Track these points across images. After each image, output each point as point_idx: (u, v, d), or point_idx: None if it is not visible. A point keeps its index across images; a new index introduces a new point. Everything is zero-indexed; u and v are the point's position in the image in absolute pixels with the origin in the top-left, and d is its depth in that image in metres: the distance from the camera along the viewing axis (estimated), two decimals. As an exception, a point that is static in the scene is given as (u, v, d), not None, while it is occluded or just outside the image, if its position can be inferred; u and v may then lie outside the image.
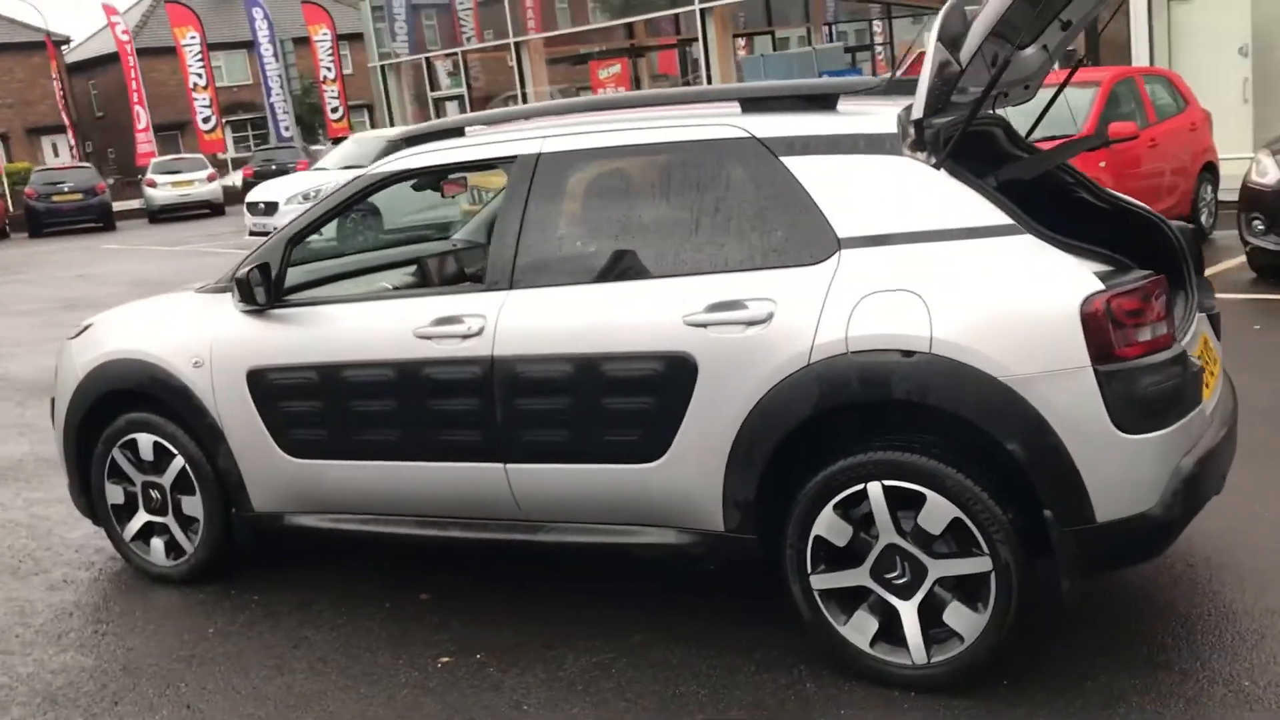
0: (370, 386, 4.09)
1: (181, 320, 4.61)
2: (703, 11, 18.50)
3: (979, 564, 3.29)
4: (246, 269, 4.24)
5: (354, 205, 4.43)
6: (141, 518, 4.79)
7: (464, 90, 22.44)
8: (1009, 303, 3.24)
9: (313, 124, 42.19)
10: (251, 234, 17.22)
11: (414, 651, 3.99)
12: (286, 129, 34.57)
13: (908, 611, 3.41)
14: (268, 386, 4.28)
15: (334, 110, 34.46)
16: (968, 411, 3.23)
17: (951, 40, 3.45)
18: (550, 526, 3.96)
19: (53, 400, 5.04)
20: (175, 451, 4.59)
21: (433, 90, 23.41)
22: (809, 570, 3.52)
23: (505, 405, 3.85)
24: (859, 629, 3.48)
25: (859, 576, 3.47)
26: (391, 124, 23.81)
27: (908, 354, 3.27)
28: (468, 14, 23.10)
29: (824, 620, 3.52)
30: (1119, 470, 3.18)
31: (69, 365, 4.86)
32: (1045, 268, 3.25)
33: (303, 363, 4.21)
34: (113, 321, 4.93)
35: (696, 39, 18.65)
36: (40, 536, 5.50)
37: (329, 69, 34.36)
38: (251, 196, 17.34)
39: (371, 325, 4.14)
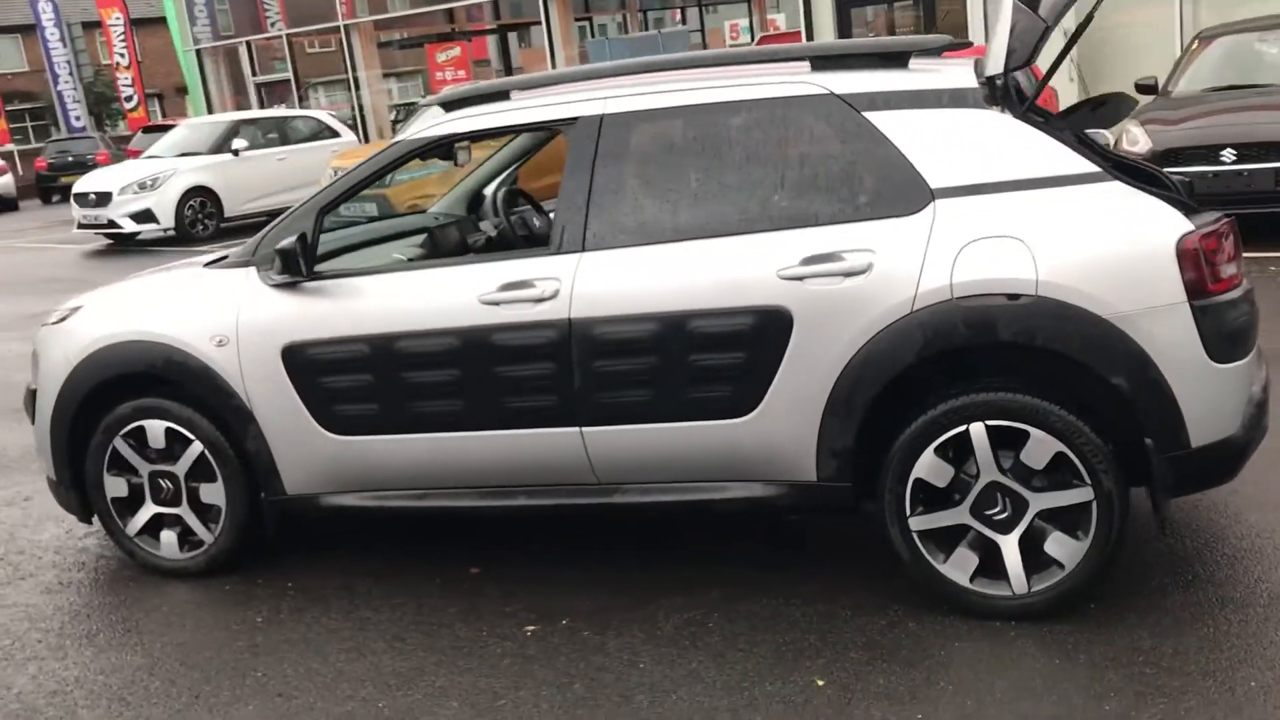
0: (430, 356, 3.98)
1: (197, 298, 4.37)
2: (545, -5, 18.46)
3: (1080, 494, 3.47)
4: (289, 240, 4.06)
5: (391, 171, 4.28)
6: (149, 510, 4.52)
7: (290, 74, 21.67)
8: (1108, 245, 3.42)
9: (100, 114, 39.87)
10: (81, 226, 16.24)
11: (492, 623, 3.92)
12: (78, 118, 32.62)
13: (1009, 545, 3.57)
14: (308, 362, 4.11)
15: (129, 99, 32.66)
16: (1074, 350, 3.41)
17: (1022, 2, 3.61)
18: (626, 488, 3.95)
19: (30, 391, 4.69)
20: (192, 437, 4.35)
21: (254, 75, 22.50)
22: (908, 513, 3.63)
23: (583, 368, 3.82)
24: (959, 566, 3.62)
25: (959, 515, 3.60)
26: (210, 110, 22.81)
27: (1014, 297, 3.42)
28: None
29: (923, 560, 3.65)
30: (1210, 398, 3.41)
31: (55, 352, 4.54)
32: (1137, 211, 3.45)
33: (349, 335, 4.06)
34: (109, 302, 4.62)
35: (539, 22, 18.55)
36: (3, 541, 5.10)
37: (123, 55, 32.53)
38: (80, 187, 16.35)
39: (429, 294, 4.03)
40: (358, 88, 21.07)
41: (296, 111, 18.92)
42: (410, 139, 4.22)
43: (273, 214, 16.94)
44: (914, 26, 15.89)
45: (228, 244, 15.25)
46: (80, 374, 4.44)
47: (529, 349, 3.87)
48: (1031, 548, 3.56)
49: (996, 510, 3.57)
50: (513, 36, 26.78)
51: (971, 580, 3.62)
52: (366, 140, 19.55)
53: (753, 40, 22.32)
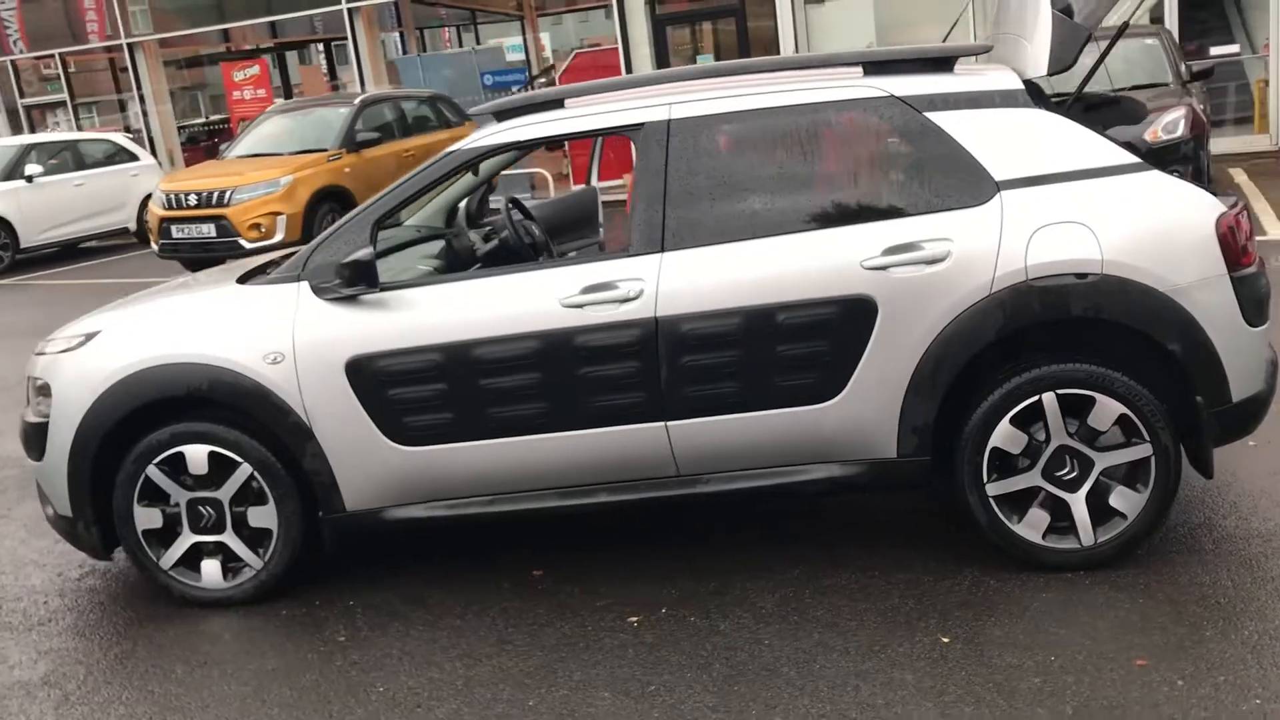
0: (510, 361, 4.03)
1: (242, 316, 4.25)
2: (350, 11, 18.12)
3: (1140, 450, 3.88)
4: (363, 252, 4.02)
5: (447, 181, 4.30)
6: (187, 540, 4.34)
7: (65, 95, 20.40)
8: (1158, 226, 3.85)
9: None
10: None
11: (591, 618, 4.00)
12: None
13: (1077, 501, 3.94)
14: (375, 375, 4.08)
15: None
16: (1136, 321, 3.81)
17: (1064, 7, 4.01)
18: (708, 478, 4.11)
19: (33, 424, 4.42)
20: (239, 460, 4.22)
21: (22, 97, 21.06)
22: (984, 480, 3.95)
23: (670, 364, 3.97)
24: (1032, 525, 3.97)
25: (1032, 478, 3.95)
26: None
27: (1081, 276, 3.80)
28: (11, 15, 20.96)
29: (1000, 523, 3.97)
30: (1245, 358, 3.89)
31: (73, 380, 4.31)
32: (1179, 195, 3.90)
33: (421, 345, 4.06)
34: (134, 326, 4.42)
35: (346, 39, 18.22)
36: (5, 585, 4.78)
37: None
38: None
39: (505, 300, 4.07)
40: (143, 107, 20.06)
41: (91, 134, 17.86)
42: (467, 148, 4.25)
43: (72, 243, 16.04)
44: (731, 42, 16.53)
45: (24, 276, 14.33)
46: (108, 401, 4.23)
47: (615, 348, 3.98)
48: (1097, 502, 3.94)
49: (1065, 471, 3.93)
50: (291, 56, 26.10)
51: (1044, 537, 3.97)
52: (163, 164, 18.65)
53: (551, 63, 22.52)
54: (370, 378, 4.09)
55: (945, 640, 3.62)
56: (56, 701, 3.79)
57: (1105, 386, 3.85)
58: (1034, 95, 4.03)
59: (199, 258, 12.60)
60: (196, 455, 4.24)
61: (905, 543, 4.30)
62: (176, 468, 4.28)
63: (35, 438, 4.44)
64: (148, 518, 4.33)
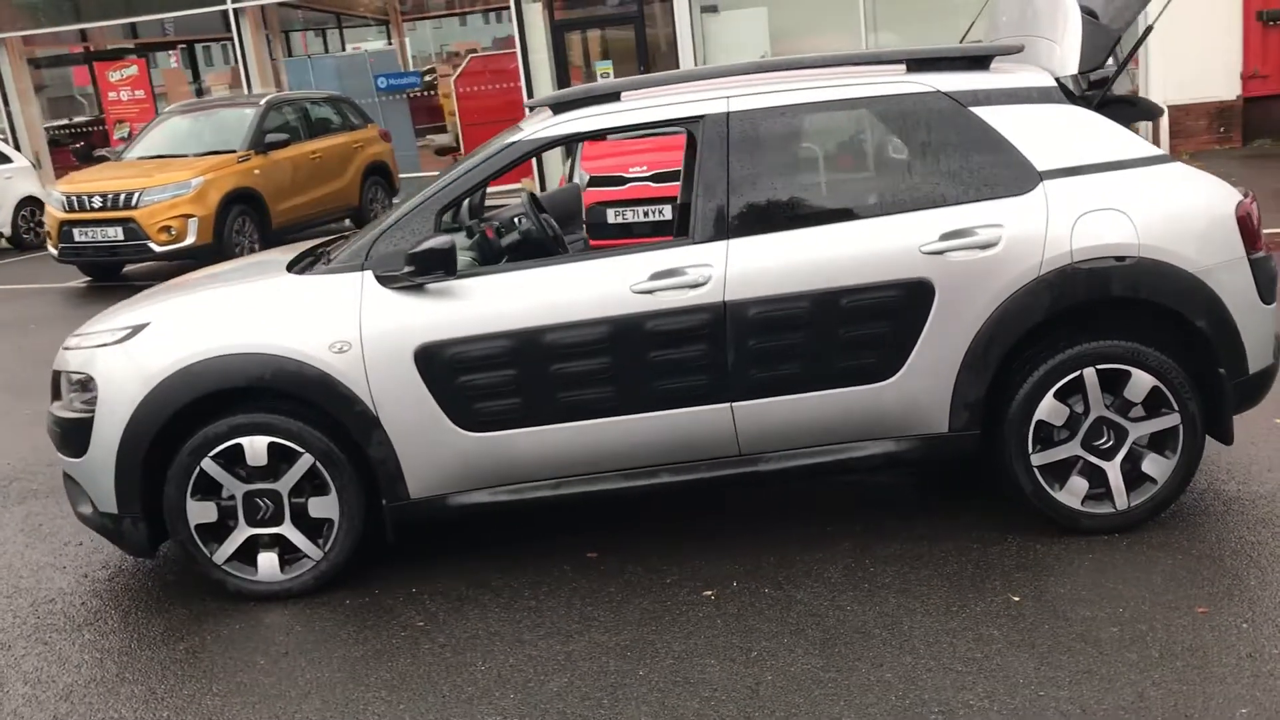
0: (582, 346, 4.13)
1: (304, 306, 4.24)
2: (235, 11, 17.70)
3: (1169, 420, 4.21)
4: (440, 240, 4.06)
5: (509, 171, 4.36)
6: (243, 533, 4.30)
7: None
8: (1187, 211, 4.19)
9: None
10: None
11: (666, 594, 4.13)
12: None
13: (1112, 469, 4.25)
14: (445, 362, 4.13)
15: None
16: (1169, 300, 4.14)
17: (1088, 9, 4.32)
18: (769, 456, 4.28)
19: (69, 420, 4.32)
20: (300, 450, 4.21)
21: None
22: (1030, 451, 4.23)
23: (737, 347, 4.13)
24: (1072, 492, 4.26)
25: (1072, 448, 4.25)
26: None
27: (1121, 259, 4.11)
28: None
29: (1043, 490, 4.26)
30: (1260, 333, 4.26)
31: (124, 373, 4.23)
32: (1201, 184, 4.25)
33: (493, 331, 4.13)
34: (188, 317, 4.35)
35: (231, 39, 17.78)
36: (20, 595, 4.62)
37: None
38: None
39: (576, 286, 4.17)
40: (8, 108, 19.18)
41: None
42: (528, 139, 4.32)
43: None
44: (629, 49, 16.73)
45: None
46: (163, 394, 4.17)
47: (684, 332, 4.12)
48: (1130, 469, 4.25)
49: (1103, 441, 4.24)
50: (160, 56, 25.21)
51: (1083, 503, 4.27)
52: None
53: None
54: (439, 365, 4.13)
55: (1016, 599, 3.87)
56: (143, 697, 3.72)
57: (1140, 361, 4.16)
58: (1065, 93, 4.33)
59: (103, 261, 12.21)
60: (256, 447, 4.21)
61: (938, 515, 4.55)
62: (232, 460, 4.24)
63: (74, 433, 4.33)
64: (201, 512, 4.27)
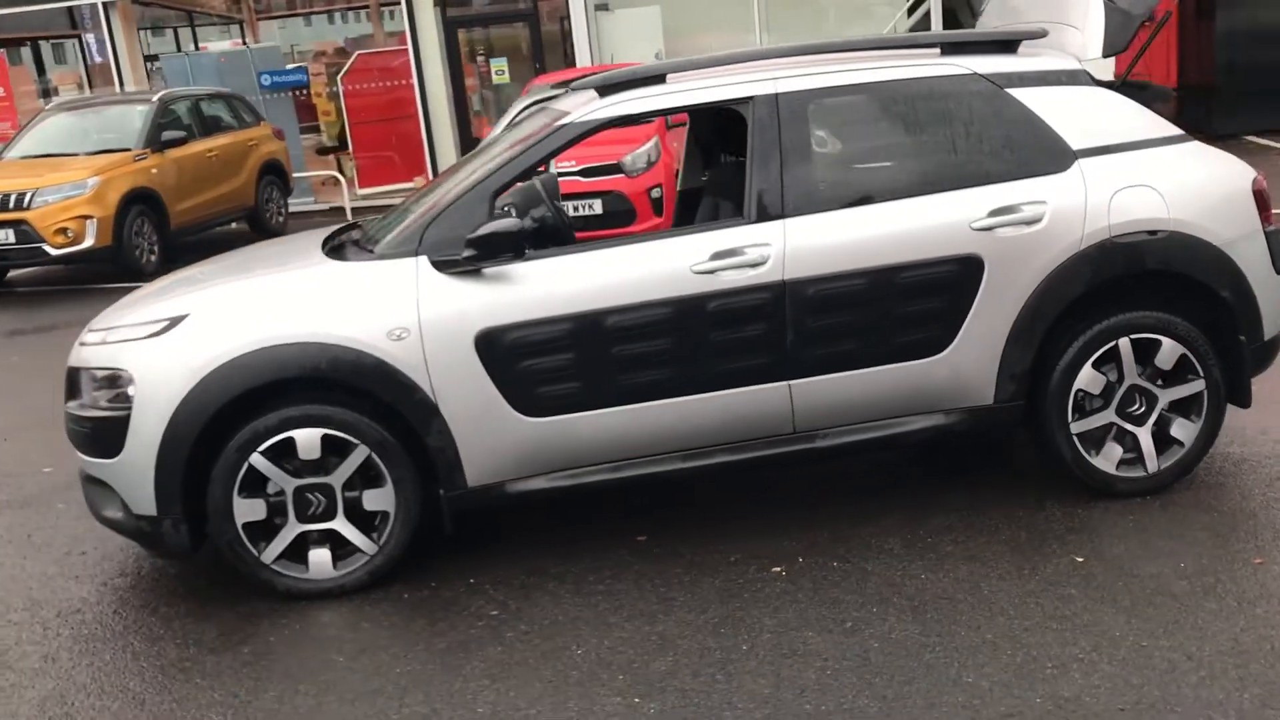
0: (644, 328, 4.12)
1: (356, 293, 4.12)
2: (105, 5, 16.96)
3: (1195, 386, 4.43)
4: (509, 222, 4.00)
5: (561, 153, 4.32)
6: (293, 530, 4.16)
7: None
8: (1210, 187, 4.41)
9: None
10: None
11: (734, 572, 4.15)
12: None
13: (1144, 434, 4.45)
14: (506, 347, 4.08)
15: None
16: (1197, 272, 4.36)
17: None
18: (824, 433, 4.35)
19: (111, 420, 4.10)
20: (355, 442, 4.10)
21: None
22: (1069, 419, 4.40)
23: (796, 325, 4.19)
24: (1108, 457, 4.45)
25: (1108, 415, 4.43)
26: None
27: (1153, 233, 4.31)
28: None
29: (1082, 457, 4.43)
30: (1274, 301, 4.51)
31: (165, 367, 4.05)
32: (1219, 161, 4.49)
33: (555, 315, 4.09)
34: (231, 307, 4.17)
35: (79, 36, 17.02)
36: (40, 607, 4.37)
37: None
38: None
39: (636, 268, 4.16)
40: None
41: None
42: (580, 120, 4.29)
43: None
44: (524, 46, 16.64)
45: None
46: (210, 388, 4.01)
47: (744, 311, 4.16)
48: (1158, 434, 4.46)
49: (1135, 407, 4.44)
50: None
51: (1117, 468, 4.46)
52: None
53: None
54: (501, 350, 4.07)
55: (1080, 559, 4.02)
56: (227, 702, 3.57)
57: (1170, 330, 4.38)
58: (1090, 76, 4.51)
59: (-8, 265, 11.56)
60: (309, 440, 4.08)
61: (967, 488, 4.68)
62: (281, 455, 4.09)
63: (105, 433, 4.12)
64: (250, 509, 4.11)
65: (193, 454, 4.05)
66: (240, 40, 26.25)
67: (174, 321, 4.12)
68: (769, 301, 4.16)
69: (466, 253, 4.04)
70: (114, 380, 4.11)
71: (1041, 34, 4.61)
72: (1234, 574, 3.84)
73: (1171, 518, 4.31)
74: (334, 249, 4.51)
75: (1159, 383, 4.44)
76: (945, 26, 15.50)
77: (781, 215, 4.21)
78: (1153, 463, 4.46)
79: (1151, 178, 4.34)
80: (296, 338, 4.03)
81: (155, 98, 12.82)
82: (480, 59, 16.91)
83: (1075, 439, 4.42)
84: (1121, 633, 3.53)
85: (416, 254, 4.13)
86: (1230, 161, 4.52)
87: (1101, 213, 4.28)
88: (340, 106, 17.46)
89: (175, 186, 12.36)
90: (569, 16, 15.93)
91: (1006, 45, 4.55)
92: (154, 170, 12.08)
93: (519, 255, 4.05)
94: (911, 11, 15.90)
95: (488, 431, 4.14)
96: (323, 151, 19.33)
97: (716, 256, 4.15)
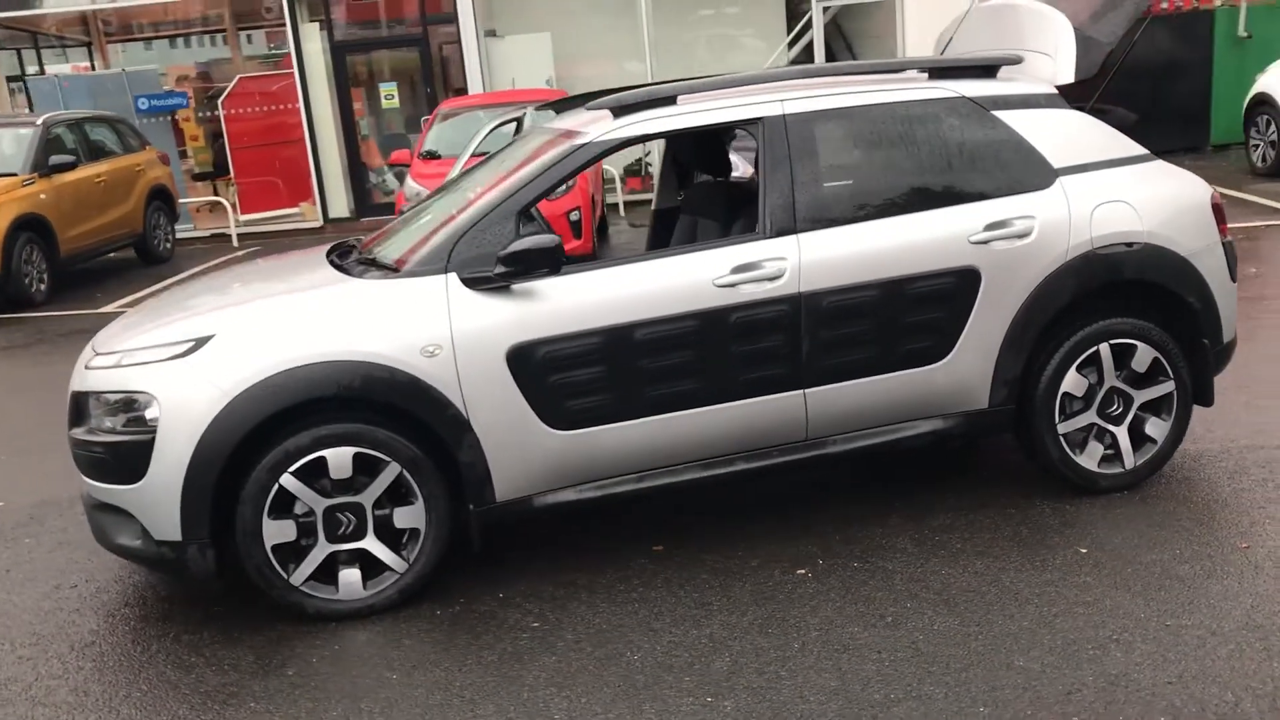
0: (670, 340, 4.24)
1: (388, 310, 4.13)
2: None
3: (1166, 387, 4.77)
4: (547, 238, 4.07)
5: (581, 173, 4.41)
6: (322, 551, 4.14)
7: None
8: (1176, 202, 4.76)
9: None
10: None
11: (761, 577, 4.29)
12: None
13: (1122, 432, 4.77)
14: (538, 361, 4.15)
15: None
16: (1168, 281, 4.70)
17: (1081, 27, 4.85)
18: (834, 439, 4.54)
19: (133, 445, 4.02)
20: (387, 459, 4.11)
21: None
22: (1057, 420, 4.69)
23: (811, 336, 4.37)
24: (1091, 456, 4.75)
25: (1090, 416, 4.73)
26: None
27: (1129, 245, 4.63)
28: None
29: (1068, 456, 4.72)
30: (1229, 308, 4.89)
31: (194, 389, 3.98)
32: (1181, 177, 4.85)
33: (585, 329, 4.18)
34: (259, 326, 4.12)
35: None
36: (49, 641, 4.22)
37: None
38: None
39: (661, 281, 4.27)
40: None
41: None
42: (599, 140, 4.38)
43: None
44: (414, 71, 16.55)
45: None
46: (241, 408, 3.96)
47: (764, 323, 4.32)
48: (1135, 432, 4.78)
49: (1114, 408, 4.75)
50: None
51: (1098, 465, 4.76)
52: None
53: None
54: (532, 365, 4.14)
55: (1084, 550, 4.29)
56: (289, 722, 3.53)
57: (1144, 336, 4.70)
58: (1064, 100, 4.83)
59: None
60: (341, 459, 4.06)
61: (951, 489, 4.93)
62: (310, 475, 4.07)
63: (125, 458, 4.03)
64: (279, 531, 4.07)
65: (221, 477, 3.99)
66: (89, 65, 25.37)
67: (199, 342, 4.05)
68: (786, 313, 4.33)
69: (500, 269, 4.09)
70: (134, 403, 4.02)
71: (1018, 60, 4.91)
72: (1227, 558, 4.14)
73: (1153, 510, 4.62)
74: (342, 269, 4.50)
75: (1134, 385, 4.75)
76: (827, 59, 16.06)
77: (795, 230, 4.39)
78: (1130, 460, 4.77)
79: (1125, 193, 4.67)
80: (329, 356, 4.02)
81: (39, 121, 12.34)
82: (368, 83, 16.75)
83: (1062, 439, 4.70)
84: (1145, 614, 3.79)
85: (445, 271, 4.16)
86: (1191, 178, 4.89)
87: (1084, 226, 4.58)
88: (215, 131, 17.09)
89: (65, 213, 11.94)
90: (460, 42, 15.92)
91: (987, 70, 4.83)
92: (42, 196, 11.64)
93: (555, 271, 4.12)
94: (792, 45, 16.39)
95: (517, 445, 4.19)
96: (198, 177, 18.84)
97: (738, 270, 4.29)
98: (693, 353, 4.27)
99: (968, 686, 3.45)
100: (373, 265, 4.47)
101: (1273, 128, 12.34)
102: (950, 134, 4.61)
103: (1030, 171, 4.62)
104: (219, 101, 16.65)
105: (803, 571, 4.30)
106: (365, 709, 3.58)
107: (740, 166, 10.55)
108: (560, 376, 4.17)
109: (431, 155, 11.39)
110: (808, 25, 16.07)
